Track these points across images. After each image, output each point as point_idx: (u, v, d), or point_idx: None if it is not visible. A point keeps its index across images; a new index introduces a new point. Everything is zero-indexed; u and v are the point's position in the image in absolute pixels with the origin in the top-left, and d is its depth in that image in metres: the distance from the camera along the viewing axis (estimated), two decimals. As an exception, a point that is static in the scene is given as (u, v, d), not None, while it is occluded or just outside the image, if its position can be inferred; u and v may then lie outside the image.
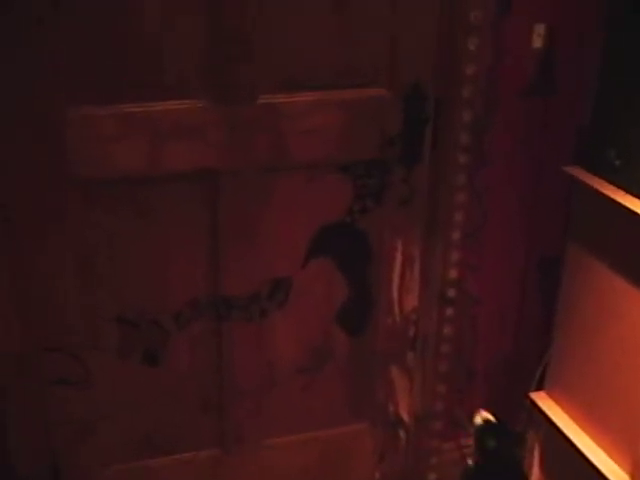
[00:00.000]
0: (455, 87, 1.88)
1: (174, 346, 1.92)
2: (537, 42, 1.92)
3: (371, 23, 1.80)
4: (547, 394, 2.11)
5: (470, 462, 2.11)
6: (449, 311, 2.07)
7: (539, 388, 2.14)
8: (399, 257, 2.02)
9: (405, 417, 2.19)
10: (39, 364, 1.83)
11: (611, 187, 1.83)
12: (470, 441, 2.13)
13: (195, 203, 1.82)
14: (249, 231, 1.87)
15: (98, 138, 1.70)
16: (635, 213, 1.74)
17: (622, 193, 1.81)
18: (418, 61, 1.86)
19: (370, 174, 1.92)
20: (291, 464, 2.15)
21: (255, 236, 1.88)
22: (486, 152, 1.97)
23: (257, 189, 1.84)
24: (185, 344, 1.93)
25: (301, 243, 1.93)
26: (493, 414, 2.02)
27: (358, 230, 1.96)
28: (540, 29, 1.91)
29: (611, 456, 1.89)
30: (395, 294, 2.05)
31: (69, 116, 1.67)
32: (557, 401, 2.07)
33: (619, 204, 1.78)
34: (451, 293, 2.05)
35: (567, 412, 2.04)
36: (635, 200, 1.77)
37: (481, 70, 1.89)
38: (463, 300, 2.08)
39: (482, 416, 2.01)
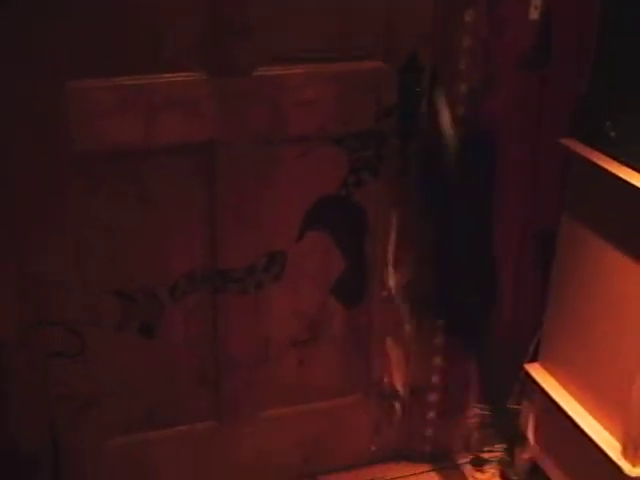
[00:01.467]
0: (451, 59, 1.88)
1: (170, 318, 1.92)
2: (534, 14, 1.91)
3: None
4: (541, 365, 2.12)
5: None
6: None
7: (533, 360, 2.15)
8: (395, 229, 2.02)
9: (400, 389, 2.20)
10: (38, 338, 1.83)
11: (606, 158, 1.83)
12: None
13: (192, 176, 1.82)
14: (245, 204, 1.87)
15: (96, 111, 1.70)
16: (629, 184, 1.74)
17: (617, 164, 1.80)
18: (414, 32, 1.85)
19: (365, 147, 1.91)
20: (287, 436, 2.15)
21: (251, 209, 1.88)
22: (482, 124, 1.96)
23: (253, 162, 1.84)
24: (181, 316, 1.93)
25: (297, 216, 1.93)
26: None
27: (354, 203, 1.96)
28: (537, 1, 1.90)
29: (603, 424, 1.90)
30: (391, 266, 2.06)
31: (68, 89, 1.66)
32: (550, 372, 2.08)
33: (614, 175, 1.78)
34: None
35: (560, 382, 2.04)
36: (630, 171, 1.77)
37: (477, 42, 1.88)
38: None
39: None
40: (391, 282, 2.08)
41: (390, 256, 2.05)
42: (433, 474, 2.26)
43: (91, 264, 1.82)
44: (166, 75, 1.72)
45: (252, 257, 1.93)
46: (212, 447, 2.10)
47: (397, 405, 2.23)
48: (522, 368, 2.13)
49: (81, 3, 1.62)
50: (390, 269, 2.06)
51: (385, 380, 2.19)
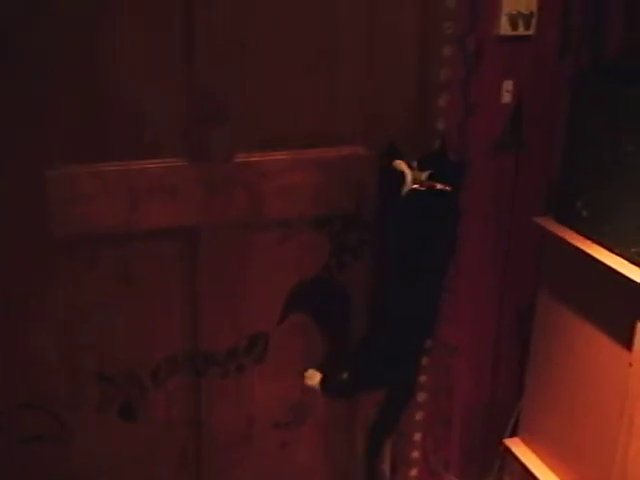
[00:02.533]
0: (426, 141, 1.91)
1: (152, 401, 1.92)
2: (506, 97, 1.97)
3: (346, 85, 1.84)
4: (521, 440, 2.14)
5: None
6: (424, 360, 2.08)
7: (513, 434, 2.17)
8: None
9: (387, 470, 2.18)
10: (16, 421, 1.82)
11: (578, 237, 1.89)
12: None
13: (173, 259, 1.84)
14: (226, 287, 1.89)
15: (77, 196, 1.72)
16: (600, 262, 1.79)
17: (589, 243, 1.86)
18: (394, 121, 1.89)
19: (347, 230, 1.94)
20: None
21: (232, 292, 1.90)
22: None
23: (234, 246, 1.86)
24: (163, 399, 1.93)
25: (278, 299, 1.94)
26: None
27: (336, 285, 1.98)
28: (509, 85, 1.96)
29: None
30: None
31: (47, 175, 1.68)
32: (530, 447, 2.11)
33: (586, 253, 1.83)
34: (427, 344, 2.06)
35: (540, 458, 2.07)
36: (600, 249, 1.82)
37: (452, 125, 1.93)
38: (439, 350, 2.10)
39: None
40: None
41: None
42: None
43: (72, 346, 1.82)
44: (147, 161, 1.75)
45: (233, 339, 1.93)
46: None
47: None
48: (502, 443, 2.15)
49: (60, 93, 1.65)
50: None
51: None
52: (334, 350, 2.03)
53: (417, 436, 2.16)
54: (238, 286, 1.90)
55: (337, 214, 1.92)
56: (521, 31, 1.93)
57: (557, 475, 2.01)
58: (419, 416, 2.14)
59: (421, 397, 2.12)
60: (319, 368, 1.93)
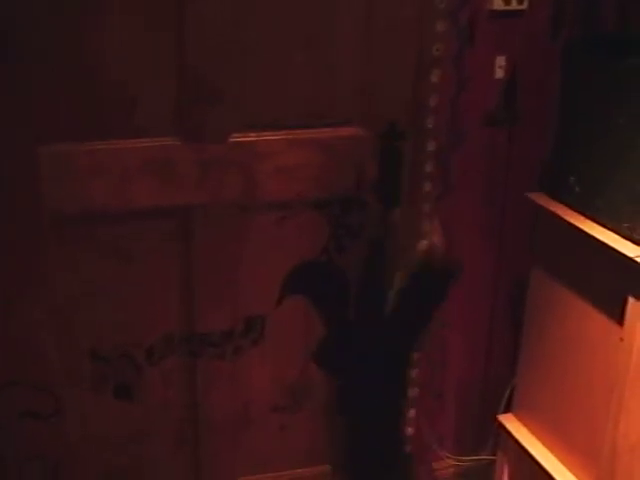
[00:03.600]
0: (419, 118, 1.90)
1: (147, 381, 1.92)
2: (499, 73, 1.96)
3: (344, 62, 1.82)
4: (514, 416, 2.16)
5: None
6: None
7: (507, 410, 2.19)
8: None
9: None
10: (10, 398, 1.81)
11: (571, 212, 1.89)
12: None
13: (169, 239, 1.82)
14: (223, 268, 1.87)
15: (70, 174, 1.71)
16: (593, 237, 1.80)
17: (582, 218, 1.86)
18: (393, 100, 1.86)
19: (346, 213, 1.93)
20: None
21: (229, 273, 1.88)
22: (451, 181, 2.00)
23: (230, 227, 1.85)
24: (158, 380, 1.93)
25: (275, 281, 1.93)
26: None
27: (335, 268, 1.97)
28: (501, 61, 1.95)
29: (575, 473, 1.94)
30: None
31: (41, 154, 1.67)
32: (524, 422, 2.12)
33: (578, 228, 1.83)
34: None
35: (534, 433, 2.08)
36: (593, 224, 1.83)
37: (444, 101, 1.92)
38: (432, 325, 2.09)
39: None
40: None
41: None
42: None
43: (66, 325, 1.81)
44: (140, 140, 1.74)
45: (230, 321, 1.92)
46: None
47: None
48: (496, 419, 2.17)
49: (52, 71, 1.63)
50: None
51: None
52: (332, 333, 2.03)
53: (411, 412, 2.17)
54: (234, 267, 1.88)
55: (336, 196, 1.90)
56: (514, 6, 1.92)
57: (550, 450, 2.03)
58: (413, 392, 2.14)
59: (415, 373, 2.12)
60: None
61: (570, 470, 1.96)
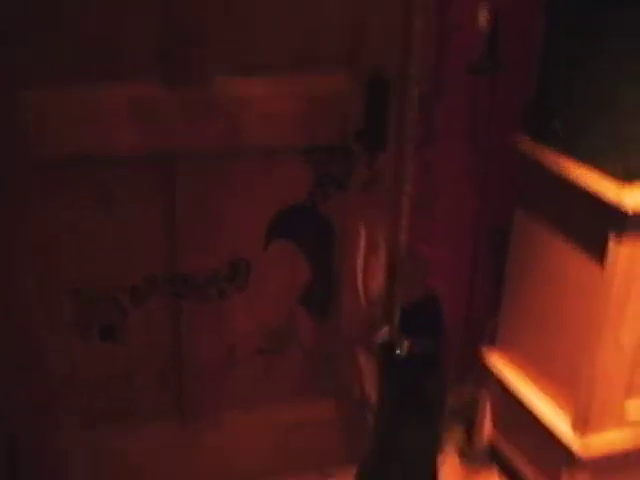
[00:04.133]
0: (404, 65, 1.87)
1: (131, 323, 1.93)
2: (482, 21, 1.96)
3: (331, 5, 1.80)
4: (497, 349, 2.19)
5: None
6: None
7: (490, 344, 2.21)
8: (363, 242, 2.02)
9: (373, 399, 2.17)
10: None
11: (554, 155, 1.90)
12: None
13: (153, 183, 1.82)
14: (207, 212, 1.88)
15: (54, 120, 1.70)
16: (574, 179, 1.82)
17: (564, 161, 1.87)
18: (381, 45, 1.86)
19: (332, 160, 1.92)
20: (252, 443, 2.15)
21: (213, 217, 1.88)
22: (434, 128, 2.00)
23: (214, 171, 1.84)
24: (142, 321, 1.94)
25: (261, 226, 1.94)
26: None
27: (320, 215, 1.97)
28: (485, 7, 1.95)
29: (556, 402, 1.99)
30: (360, 278, 2.06)
31: (25, 98, 1.66)
32: (507, 356, 2.16)
33: (562, 171, 1.85)
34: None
35: (516, 366, 2.12)
36: (575, 167, 1.84)
37: (427, 48, 1.90)
38: (415, 265, 2.10)
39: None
40: (362, 292, 2.08)
41: (360, 267, 2.05)
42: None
43: (48, 267, 1.82)
44: (123, 84, 1.73)
45: (214, 263, 1.93)
46: (172, 450, 2.09)
47: (369, 414, 2.20)
48: (479, 354, 2.20)
49: (33, 16, 1.62)
50: (360, 279, 2.07)
51: (356, 390, 2.19)
52: (318, 280, 2.05)
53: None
54: (218, 211, 1.88)
55: (321, 145, 1.89)
56: (497, -48, 1.91)
57: (532, 381, 2.07)
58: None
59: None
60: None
61: (550, 398, 2.00)
